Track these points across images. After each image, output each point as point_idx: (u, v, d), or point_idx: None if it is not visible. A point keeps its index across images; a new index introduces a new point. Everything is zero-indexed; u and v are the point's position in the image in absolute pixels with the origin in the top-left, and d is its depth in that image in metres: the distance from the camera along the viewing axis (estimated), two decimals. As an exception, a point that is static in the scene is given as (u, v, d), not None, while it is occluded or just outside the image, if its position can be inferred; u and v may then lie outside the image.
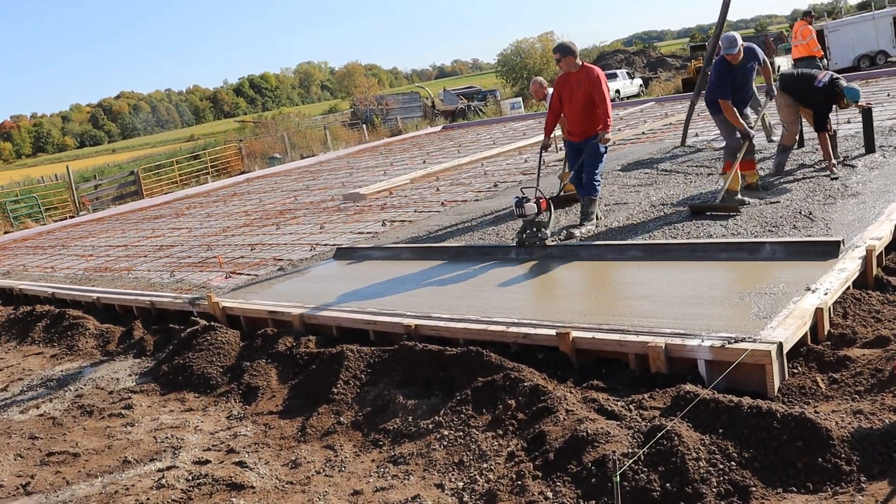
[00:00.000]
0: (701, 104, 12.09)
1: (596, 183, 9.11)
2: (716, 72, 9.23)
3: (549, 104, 9.64)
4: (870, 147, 10.62)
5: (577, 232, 8.87)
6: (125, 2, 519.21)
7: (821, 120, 9.78)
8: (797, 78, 10.06)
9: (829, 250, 6.67)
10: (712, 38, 12.31)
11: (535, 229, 8.59)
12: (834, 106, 9.85)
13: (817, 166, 10.34)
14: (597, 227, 9.11)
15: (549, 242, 8.56)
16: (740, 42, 9.12)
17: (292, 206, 17.14)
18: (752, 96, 10.41)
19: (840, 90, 9.62)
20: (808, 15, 16.62)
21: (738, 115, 9.13)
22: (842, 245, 6.68)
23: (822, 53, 15.85)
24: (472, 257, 9.05)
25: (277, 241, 12.77)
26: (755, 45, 9.53)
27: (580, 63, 9.06)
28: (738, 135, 9.27)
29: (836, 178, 9.38)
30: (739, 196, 9.06)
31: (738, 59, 9.10)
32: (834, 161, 9.79)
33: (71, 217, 27.65)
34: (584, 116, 9.02)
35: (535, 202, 8.50)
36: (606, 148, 9.13)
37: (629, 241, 8.27)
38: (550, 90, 10.59)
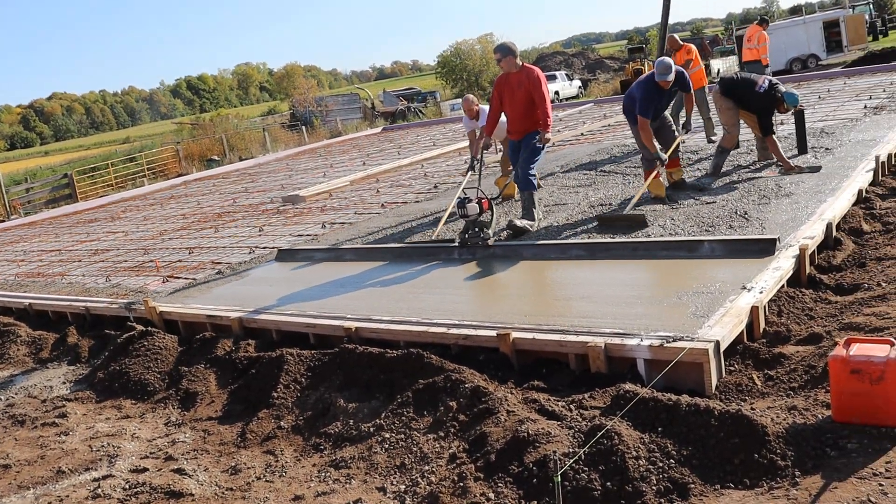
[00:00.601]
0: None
1: (531, 177, 9.21)
2: (643, 90, 9.41)
3: (489, 104, 9.70)
4: (802, 148, 10.86)
5: (517, 222, 8.98)
6: (58, 1, 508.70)
7: (766, 124, 10.01)
8: (738, 82, 10.26)
9: (765, 247, 6.82)
10: (659, 39, 12.58)
11: (477, 229, 8.63)
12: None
13: (752, 167, 10.54)
14: (537, 226, 9.15)
15: (491, 242, 8.59)
16: (674, 70, 9.25)
17: (231, 208, 16.93)
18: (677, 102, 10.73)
19: (780, 95, 9.86)
20: (764, 21, 16.91)
21: (652, 138, 9.35)
22: (778, 242, 6.84)
23: (769, 62, 16.14)
24: (415, 258, 9.04)
25: (216, 244, 12.60)
26: (686, 73, 9.70)
27: (520, 63, 9.17)
28: (676, 132, 9.67)
29: (803, 171, 9.68)
30: (667, 195, 9.37)
31: (668, 85, 9.31)
32: (791, 163, 9.98)
33: (1, 221, 26.93)
34: (524, 116, 9.14)
35: (477, 202, 8.54)
36: (544, 146, 9.21)
37: (571, 241, 8.34)
38: (481, 107, 10.75)
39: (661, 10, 12.73)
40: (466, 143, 19.24)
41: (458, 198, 8.64)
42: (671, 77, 9.19)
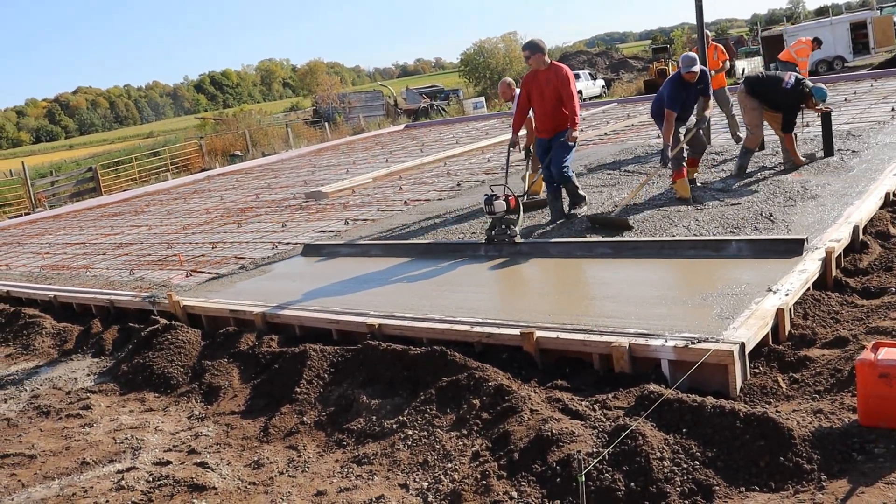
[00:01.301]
0: None
1: (567, 171, 9.31)
2: (670, 86, 9.62)
3: (517, 102, 9.70)
4: (828, 150, 10.77)
5: (577, 211, 9.25)
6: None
7: (789, 121, 9.99)
8: (764, 80, 10.23)
9: (793, 248, 6.81)
10: (699, 38, 12.58)
11: (504, 226, 8.67)
12: (802, 107, 10.07)
13: (777, 168, 10.47)
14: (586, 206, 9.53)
15: (517, 239, 8.62)
16: (699, 64, 9.47)
17: (254, 204, 17.00)
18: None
19: (808, 90, 9.83)
20: (817, 41, 16.80)
21: (672, 128, 9.51)
22: (806, 243, 6.82)
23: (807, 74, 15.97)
24: (441, 254, 9.07)
25: (239, 239, 12.65)
26: (707, 71, 9.96)
27: (549, 61, 9.17)
28: (682, 137, 9.73)
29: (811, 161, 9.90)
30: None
31: (694, 78, 9.48)
32: (803, 160, 10.01)
33: (27, 214, 27.15)
34: (553, 114, 9.16)
35: (504, 200, 8.57)
36: (575, 143, 9.28)
37: (598, 239, 8.34)
38: (519, 91, 10.72)
39: (695, 10, 12.62)
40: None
41: (485, 195, 8.68)
42: (696, 68, 9.40)
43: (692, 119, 10.15)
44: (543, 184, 10.02)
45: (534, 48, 9.13)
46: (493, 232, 8.72)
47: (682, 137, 9.75)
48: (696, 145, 10.13)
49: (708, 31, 13.63)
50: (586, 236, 8.56)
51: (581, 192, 9.61)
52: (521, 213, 8.97)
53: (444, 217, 11.09)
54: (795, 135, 10.45)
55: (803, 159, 10.16)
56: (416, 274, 8.41)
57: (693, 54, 9.73)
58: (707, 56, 12.39)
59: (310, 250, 10.50)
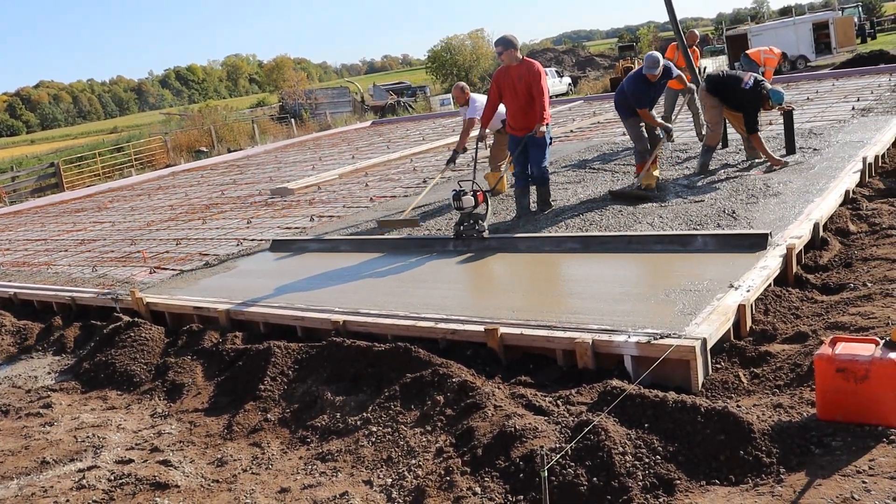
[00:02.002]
0: None
1: (546, 173, 9.56)
2: (634, 85, 9.95)
3: (488, 97, 9.78)
4: (790, 148, 10.91)
5: (543, 213, 9.42)
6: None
7: (751, 122, 10.09)
8: (724, 80, 10.33)
9: (757, 242, 6.93)
10: (677, 36, 12.78)
11: (472, 221, 8.70)
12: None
13: (740, 166, 10.58)
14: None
15: (486, 234, 8.67)
16: (661, 64, 9.80)
17: (219, 200, 16.89)
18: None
19: (766, 92, 9.93)
20: (784, 56, 17.20)
21: (653, 118, 10.04)
22: (770, 238, 6.93)
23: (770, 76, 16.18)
24: (410, 249, 9.09)
25: (204, 235, 12.56)
26: (671, 64, 10.33)
27: (521, 57, 9.22)
28: (658, 132, 10.19)
29: (787, 164, 10.09)
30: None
31: (655, 78, 9.81)
32: (776, 157, 10.15)
33: (-13, 210, 26.76)
34: (525, 109, 9.22)
35: (472, 195, 8.61)
36: (551, 139, 9.50)
37: (566, 234, 8.41)
38: (473, 95, 10.89)
39: (666, 7, 12.72)
40: (455, 138, 19.25)
41: (453, 190, 8.72)
42: (657, 71, 9.72)
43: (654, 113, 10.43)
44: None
45: (506, 44, 9.17)
46: (462, 227, 8.75)
47: (660, 136, 10.20)
48: (653, 147, 10.30)
49: (693, 31, 13.77)
50: (552, 231, 8.62)
51: (551, 201, 9.80)
52: (489, 207, 9.03)
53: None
54: (764, 137, 10.55)
55: (780, 159, 10.24)
56: (382, 270, 8.40)
57: (657, 54, 9.94)
58: (683, 55, 12.59)
59: (278, 245, 10.45)
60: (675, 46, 13.44)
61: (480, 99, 11.16)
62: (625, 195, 9.57)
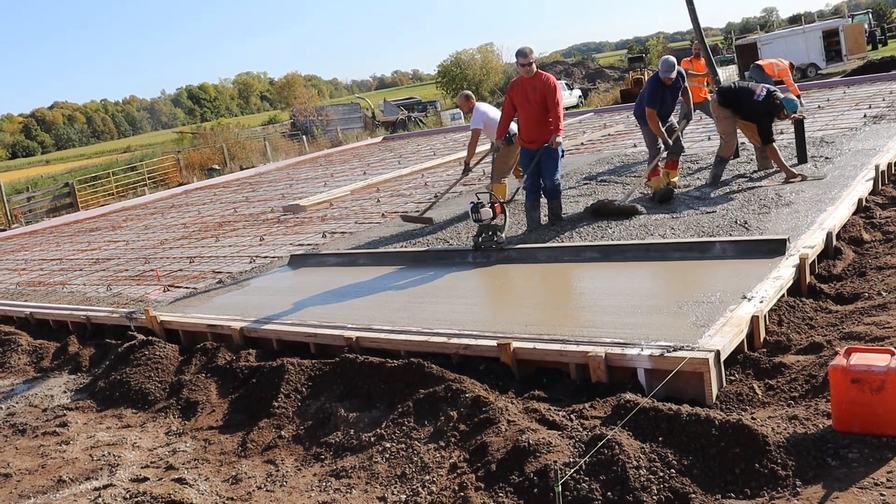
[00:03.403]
0: None
1: (558, 186, 9.64)
2: (649, 87, 10.13)
3: (502, 109, 9.88)
4: (802, 157, 10.87)
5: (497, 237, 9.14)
6: (59, 10, 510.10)
7: (766, 132, 10.07)
8: (736, 91, 10.32)
9: (776, 248, 6.95)
10: (700, 43, 12.94)
11: (490, 233, 8.75)
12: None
13: (752, 176, 10.56)
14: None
15: (504, 245, 8.74)
16: (677, 68, 10.02)
17: (231, 218, 16.95)
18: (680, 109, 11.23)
19: (779, 102, 9.92)
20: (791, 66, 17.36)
21: (659, 124, 10.09)
22: (788, 243, 6.95)
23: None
24: (430, 262, 9.15)
25: (217, 253, 12.61)
26: (682, 69, 10.46)
27: (535, 69, 9.28)
28: (659, 143, 10.31)
29: (805, 179, 9.91)
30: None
31: (671, 81, 10.03)
32: (791, 170, 10.06)
33: (2, 230, 26.94)
34: (539, 121, 9.31)
35: (490, 207, 8.66)
36: (563, 151, 9.56)
37: (585, 243, 8.46)
38: (477, 104, 10.97)
39: (689, 12, 12.79)
40: (466, 153, 19.29)
41: (471, 203, 8.85)
42: (673, 74, 9.96)
43: (672, 120, 10.54)
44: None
45: (527, 55, 9.27)
46: (481, 238, 8.82)
47: (677, 128, 10.36)
48: (674, 148, 10.47)
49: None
50: (571, 240, 8.65)
51: (561, 215, 9.85)
52: (508, 218, 9.09)
53: (422, 228, 11.10)
54: (777, 146, 10.49)
55: (797, 173, 10.06)
56: (395, 285, 8.41)
57: (672, 58, 10.16)
58: (706, 59, 12.67)
59: (296, 260, 10.50)
60: (689, 60, 13.46)
61: (484, 107, 11.24)
62: (607, 210, 9.54)
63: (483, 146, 12.39)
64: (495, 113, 11.19)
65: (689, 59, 13.83)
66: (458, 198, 13.05)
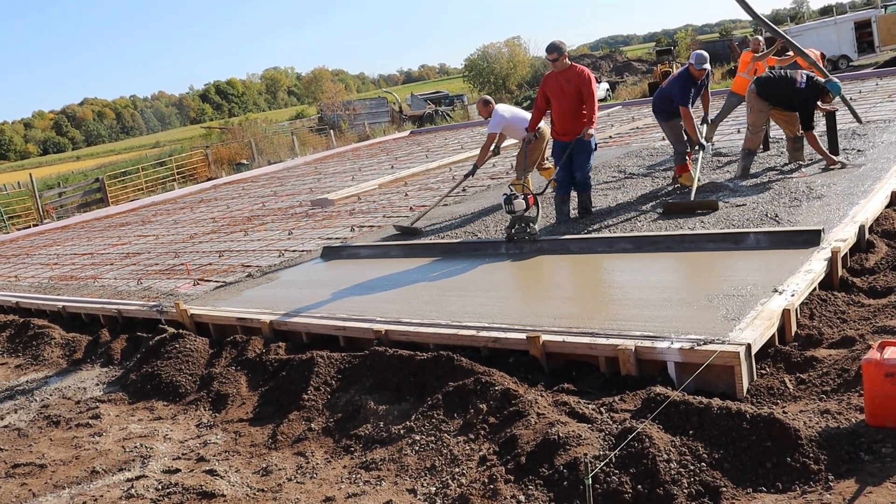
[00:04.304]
0: None
1: (589, 179, 9.66)
2: (680, 81, 10.06)
3: (535, 103, 9.90)
4: (833, 150, 10.76)
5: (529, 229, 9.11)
6: (89, 8, 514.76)
7: (808, 119, 10.03)
8: (777, 83, 10.21)
9: (810, 239, 6.94)
10: (772, 31, 12.84)
11: (523, 224, 8.79)
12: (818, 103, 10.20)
13: (783, 169, 10.46)
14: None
15: (537, 237, 8.77)
16: (708, 62, 10.01)
17: (260, 212, 17.05)
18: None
19: (822, 86, 9.89)
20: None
21: (694, 123, 10.00)
22: (822, 233, 6.93)
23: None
24: (462, 253, 9.19)
25: (245, 247, 12.69)
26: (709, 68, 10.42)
27: (568, 62, 9.30)
28: (680, 138, 10.30)
29: (845, 166, 9.97)
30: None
31: (703, 75, 10.01)
32: (831, 156, 10.11)
33: (35, 225, 27.27)
34: (573, 113, 9.33)
35: (523, 198, 8.68)
36: (596, 144, 9.57)
37: (618, 234, 8.48)
38: (497, 107, 10.98)
39: (742, 7, 12.67)
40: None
41: (504, 194, 8.89)
42: (706, 66, 9.95)
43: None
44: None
45: (560, 50, 9.27)
46: (513, 230, 8.85)
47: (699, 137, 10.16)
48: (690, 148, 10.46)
49: (758, 38, 13.65)
50: (605, 231, 8.69)
51: (591, 208, 9.85)
52: (540, 210, 9.12)
53: (450, 222, 11.11)
54: (801, 135, 10.44)
55: (836, 159, 10.17)
56: (426, 278, 8.42)
57: (705, 52, 10.11)
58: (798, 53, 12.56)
59: (329, 252, 10.57)
60: (752, 53, 13.32)
61: (502, 109, 11.25)
62: (681, 207, 9.22)
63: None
64: (514, 112, 11.24)
65: (748, 50, 13.65)
66: (486, 191, 13.05)
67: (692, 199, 9.31)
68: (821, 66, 12.18)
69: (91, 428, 6.66)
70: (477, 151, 19.84)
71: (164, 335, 8.06)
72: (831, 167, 9.93)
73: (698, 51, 10.19)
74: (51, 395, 7.80)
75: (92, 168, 61.34)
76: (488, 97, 11.96)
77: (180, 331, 8.18)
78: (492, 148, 11.28)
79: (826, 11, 67.03)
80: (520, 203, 8.69)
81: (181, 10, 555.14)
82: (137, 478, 5.46)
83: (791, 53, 12.92)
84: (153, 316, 9.16)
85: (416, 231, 10.80)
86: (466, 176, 11.51)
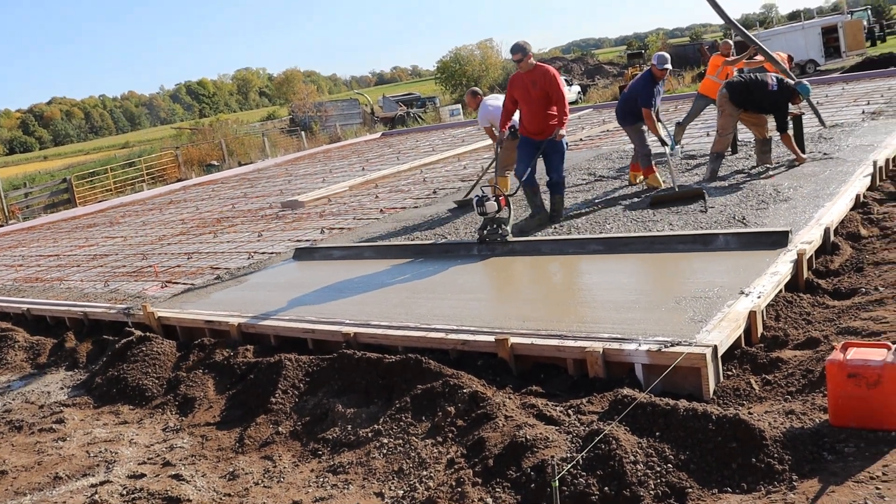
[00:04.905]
0: None
1: (564, 179, 9.66)
2: (644, 84, 10.24)
3: (502, 104, 9.84)
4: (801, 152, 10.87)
5: (501, 230, 9.03)
6: (57, 5, 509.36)
7: (782, 121, 10.21)
8: (749, 86, 10.31)
9: (778, 240, 7.02)
10: (743, 37, 13.02)
11: (495, 226, 8.79)
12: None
13: (750, 172, 10.56)
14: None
15: (509, 238, 8.77)
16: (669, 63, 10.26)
17: (230, 213, 16.94)
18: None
19: (793, 88, 10.07)
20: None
21: (656, 123, 10.17)
22: (790, 235, 7.01)
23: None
24: (434, 255, 9.19)
25: (215, 249, 12.60)
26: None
27: (534, 63, 9.24)
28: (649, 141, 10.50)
29: (814, 160, 10.35)
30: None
31: (664, 74, 10.21)
32: (803, 156, 10.32)
33: (0, 226, 26.93)
34: (540, 114, 9.28)
35: (494, 200, 8.66)
36: (567, 145, 9.57)
37: (589, 236, 8.52)
38: (483, 100, 10.95)
39: (717, 11, 12.76)
40: (465, 148, 19.33)
41: (476, 196, 8.88)
42: (668, 66, 10.18)
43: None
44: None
45: (524, 51, 9.20)
46: (486, 231, 8.85)
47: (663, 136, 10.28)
48: (646, 151, 10.61)
49: (728, 41, 13.73)
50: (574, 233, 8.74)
51: (561, 210, 9.80)
52: (512, 212, 9.10)
53: (420, 224, 11.10)
54: (770, 138, 10.60)
55: (804, 156, 10.52)
56: (396, 280, 8.40)
57: (666, 54, 10.37)
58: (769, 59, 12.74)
59: (301, 254, 10.51)
60: (721, 56, 13.42)
61: (489, 100, 11.21)
62: (668, 198, 9.48)
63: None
64: (500, 103, 11.15)
65: (717, 54, 13.74)
66: (457, 193, 13.05)
67: (676, 190, 9.54)
68: (786, 68, 12.35)
69: (55, 433, 6.57)
70: (448, 154, 19.98)
71: (130, 338, 7.97)
72: (797, 164, 10.33)
73: (661, 52, 10.45)
74: (13, 399, 7.69)
75: (59, 168, 60.63)
76: (476, 89, 11.92)
77: (147, 334, 8.09)
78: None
79: (794, 17, 67.83)
80: (491, 205, 8.69)
81: (153, 10, 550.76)
82: (102, 483, 5.39)
83: (760, 57, 13.06)
84: (120, 318, 9.06)
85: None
86: (496, 149, 10.56)
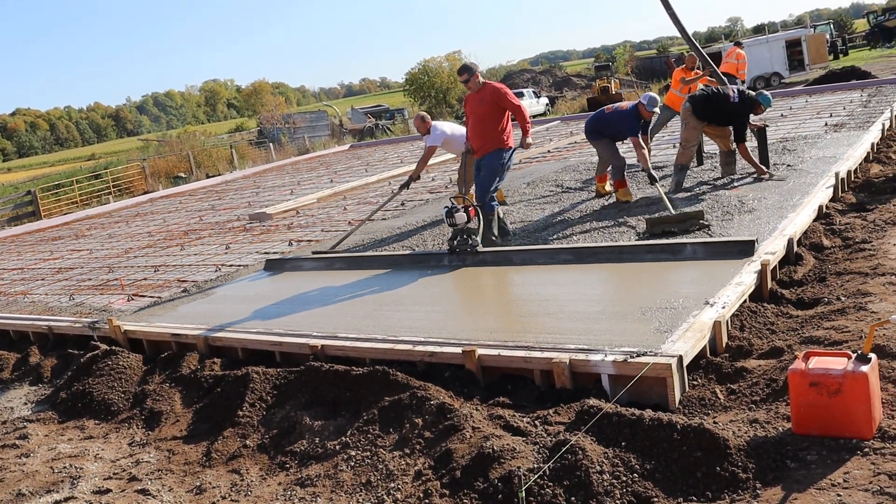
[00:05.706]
0: None
1: (490, 202, 9.38)
2: (629, 119, 10.29)
3: (465, 121, 9.98)
4: (764, 164, 11.02)
5: (475, 241, 8.99)
6: (21, 15, 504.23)
7: (741, 132, 10.34)
8: (710, 99, 10.47)
9: (745, 249, 7.12)
10: (693, 48, 13.21)
11: (465, 236, 8.84)
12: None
13: (716, 183, 10.68)
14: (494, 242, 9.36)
15: (479, 248, 8.82)
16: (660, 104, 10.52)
17: (197, 226, 16.84)
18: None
19: (754, 99, 10.21)
20: (738, 44, 18.31)
21: (647, 154, 10.30)
22: (756, 244, 7.12)
23: (745, 77, 16.99)
24: (406, 266, 9.20)
25: (182, 262, 12.52)
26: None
27: (481, 81, 9.33)
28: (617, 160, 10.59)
29: (773, 178, 10.40)
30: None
31: (651, 116, 10.45)
32: (763, 168, 10.46)
33: (-37, 239, 26.53)
34: (482, 132, 9.36)
35: (464, 211, 8.69)
36: (503, 165, 9.39)
37: (559, 246, 8.60)
38: (434, 123, 11.01)
39: (672, 21, 12.91)
40: (433, 160, 19.36)
41: (445, 207, 8.90)
42: (657, 110, 10.40)
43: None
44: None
45: (470, 71, 9.32)
46: (456, 242, 8.89)
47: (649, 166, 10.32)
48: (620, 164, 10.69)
49: (693, 55, 13.89)
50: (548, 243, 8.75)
51: (496, 231, 9.45)
52: (481, 223, 9.13)
53: (388, 236, 11.11)
54: (735, 150, 10.73)
55: (765, 169, 10.63)
56: (365, 291, 8.39)
57: (657, 97, 10.52)
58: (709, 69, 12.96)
59: (273, 265, 10.48)
60: (685, 69, 13.59)
61: (442, 125, 11.30)
62: (668, 221, 8.75)
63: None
64: (454, 128, 11.32)
65: (682, 67, 13.90)
66: (425, 205, 13.08)
67: (673, 212, 9.02)
68: (723, 79, 12.70)
69: (18, 449, 6.47)
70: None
71: (96, 352, 7.88)
72: (762, 177, 10.29)
73: (651, 94, 10.51)
74: (-24, 414, 7.58)
75: (23, 180, 59.82)
76: (425, 113, 12.00)
77: (113, 347, 8.01)
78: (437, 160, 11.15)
79: (759, 30, 68.61)
80: (461, 216, 8.73)
81: (119, 20, 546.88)
82: (66, 499, 5.33)
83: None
84: (85, 332, 8.96)
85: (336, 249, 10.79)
86: (402, 188, 11.30)
